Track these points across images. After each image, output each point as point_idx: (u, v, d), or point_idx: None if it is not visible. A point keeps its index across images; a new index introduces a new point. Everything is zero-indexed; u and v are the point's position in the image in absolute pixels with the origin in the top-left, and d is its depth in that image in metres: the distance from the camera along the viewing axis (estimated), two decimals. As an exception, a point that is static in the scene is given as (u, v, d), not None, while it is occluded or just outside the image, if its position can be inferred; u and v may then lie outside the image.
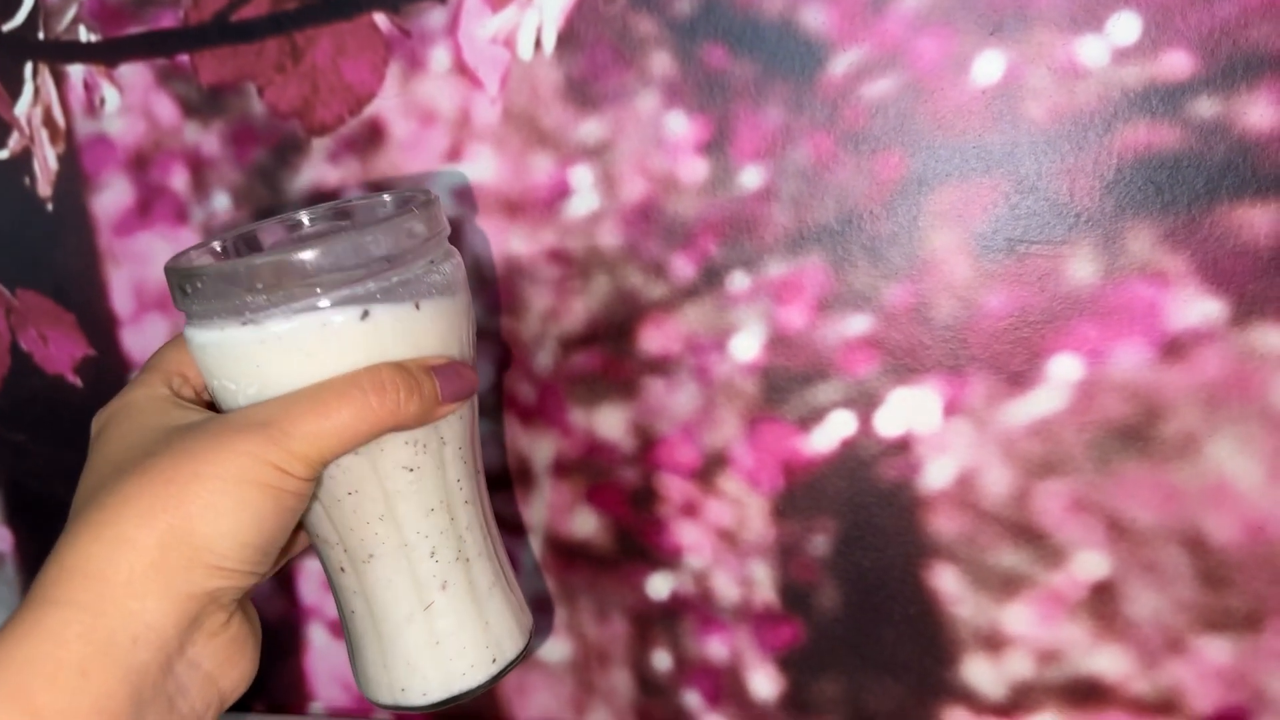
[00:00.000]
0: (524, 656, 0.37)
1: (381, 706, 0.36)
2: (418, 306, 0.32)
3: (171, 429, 0.31)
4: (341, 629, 0.37)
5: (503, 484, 0.46)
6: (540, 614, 0.47)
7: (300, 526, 0.36)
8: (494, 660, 0.35)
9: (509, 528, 0.47)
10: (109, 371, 0.52)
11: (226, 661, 0.31)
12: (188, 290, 0.31)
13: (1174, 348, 0.37)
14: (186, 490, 0.29)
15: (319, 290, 0.30)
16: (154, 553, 0.28)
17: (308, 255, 0.30)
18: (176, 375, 0.35)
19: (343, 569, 0.35)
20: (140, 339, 0.51)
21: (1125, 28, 0.35)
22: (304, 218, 0.38)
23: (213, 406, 0.34)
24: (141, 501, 0.29)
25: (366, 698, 0.36)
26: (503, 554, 0.38)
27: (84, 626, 0.28)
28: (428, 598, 0.34)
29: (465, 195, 0.44)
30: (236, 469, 0.29)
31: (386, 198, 0.37)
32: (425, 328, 0.32)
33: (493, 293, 0.44)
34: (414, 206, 0.33)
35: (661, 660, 0.45)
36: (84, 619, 0.28)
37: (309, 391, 0.30)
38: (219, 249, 0.36)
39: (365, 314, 0.31)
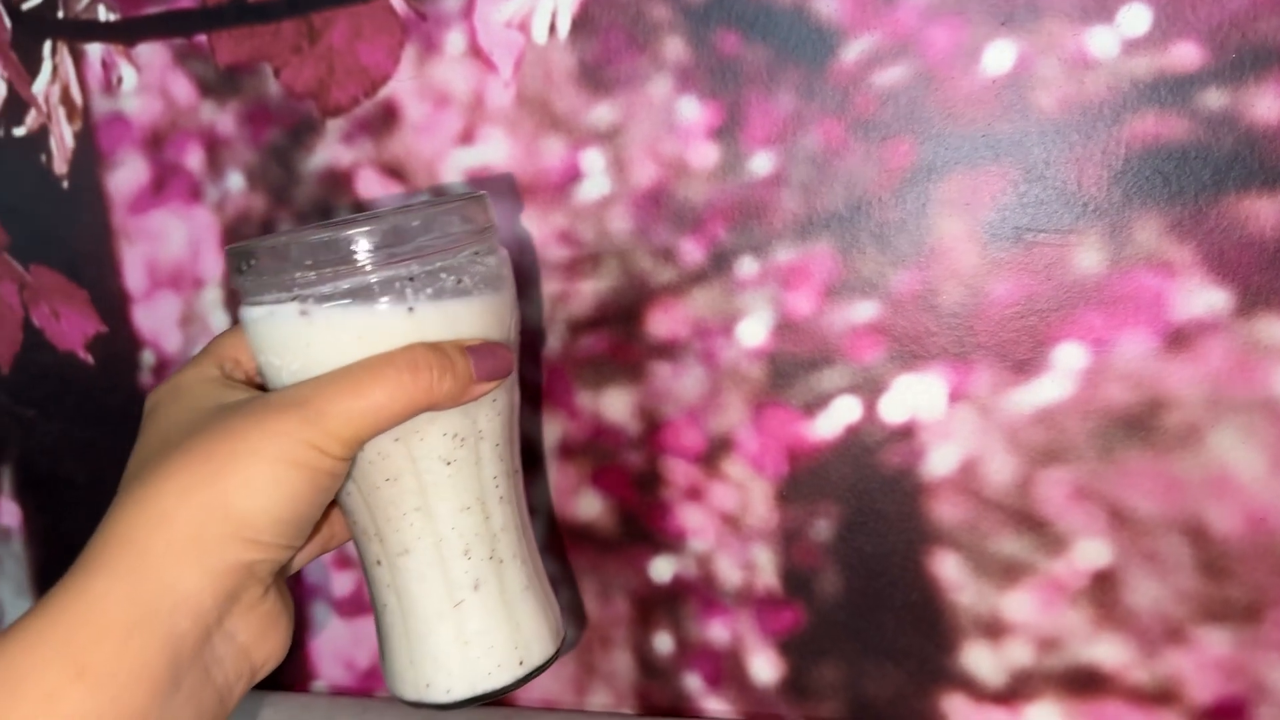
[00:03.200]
0: (552, 662, 0.37)
1: (406, 702, 0.36)
2: (461, 294, 0.33)
3: (216, 408, 0.32)
4: (374, 624, 0.37)
5: (509, 466, 0.47)
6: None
7: (341, 514, 0.37)
8: (521, 663, 0.36)
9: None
10: (120, 348, 0.53)
11: (261, 635, 0.32)
12: (243, 268, 0.33)
13: (1179, 338, 0.37)
14: (224, 467, 0.30)
15: (366, 269, 0.31)
16: (192, 526, 0.29)
17: (355, 233, 0.31)
18: (229, 359, 0.36)
19: (379, 562, 0.35)
20: (151, 316, 0.52)
21: (1135, 19, 0.36)
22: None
23: (262, 388, 0.35)
24: (182, 477, 0.30)
25: (393, 693, 0.37)
26: (537, 559, 0.38)
27: (126, 593, 0.29)
28: (459, 596, 0.35)
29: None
30: (273, 447, 0.30)
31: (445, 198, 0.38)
32: (467, 315, 0.33)
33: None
34: (461, 199, 0.34)
35: (663, 643, 0.46)
36: (126, 586, 0.29)
37: (345, 371, 0.31)
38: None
39: (410, 298, 0.32)
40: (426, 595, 0.35)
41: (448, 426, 0.33)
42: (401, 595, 0.35)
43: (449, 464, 0.34)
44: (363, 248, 0.31)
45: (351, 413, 0.31)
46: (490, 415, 0.35)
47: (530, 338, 0.45)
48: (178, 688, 0.29)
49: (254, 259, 0.32)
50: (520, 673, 0.36)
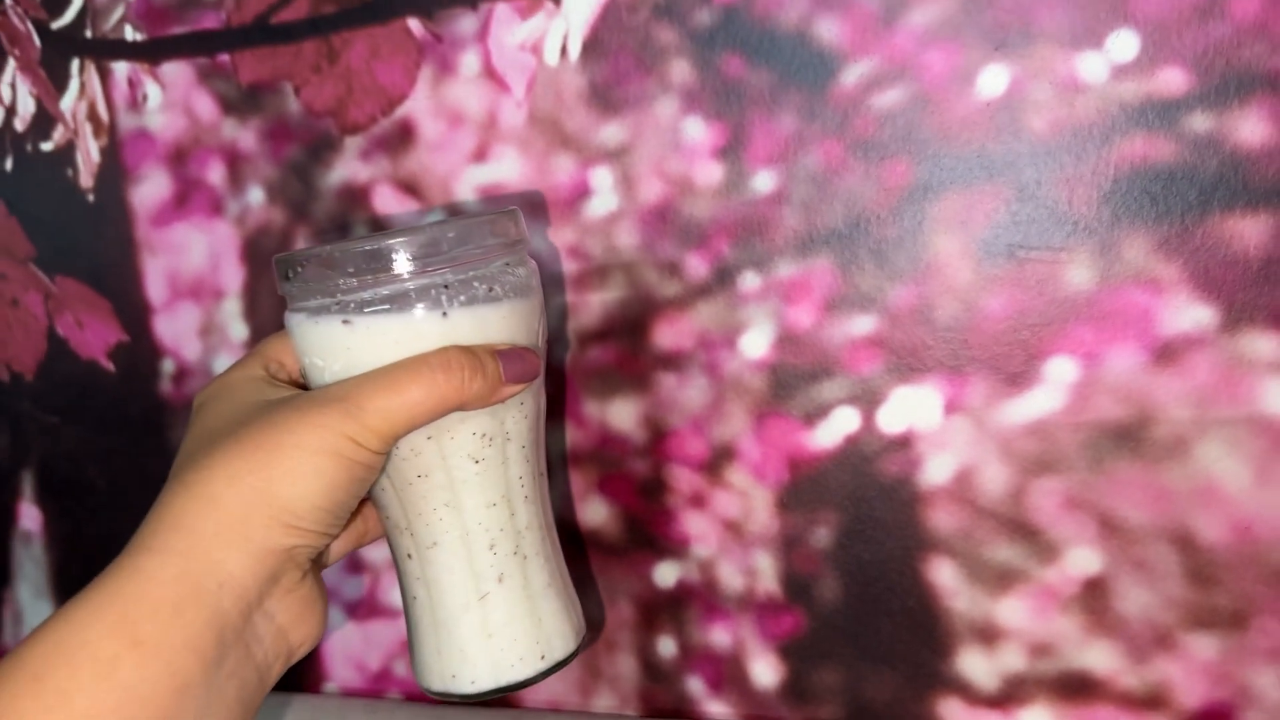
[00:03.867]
0: (573, 657, 0.38)
1: (433, 694, 0.38)
2: (492, 301, 0.35)
3: (262, 403, 0.34)
4: (405, 620, 0.39)
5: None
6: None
7: (375, 510, 0.38)
8: (543, 657, 0.37)
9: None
10: (141, 357, 0.54)
11: (298, 618, 0.34)
12: (290, 275, 0.35)
13: (1166, 352, 0.38)
14: (271, 456, 0.32)
15: (404, 277, 0.34)
16: (239, 510, 0.31)
17: (394, 244, 0.33)
18: (274, 361, 0.38)
19: (409, 555, 0.37)
20: (172, 326, 0.53)
21: (1124, 45, 0.37)
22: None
23: (304, 387, 0.37)
24: (231, 464, 0.32)
25: (421, 686, 0.38)
26: (561, 560, 0.40)
27: (177, 570, 0.31)
28: (484, 588, 0.36)
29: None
30: (316, 440, 0.32)
31: (480, 212, 0.40)
32: (498, 321, 0.35)
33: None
34: (495, 214, 0.36)
35: (666, 647, 0.47)
36: (177, 564, 0.31)
37: (383, 371, 0.33)
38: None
39: (444, 305, 0.34)
40: (453, 587, 0.36)
41: (477, 427, 0.35)
42: (431, 587, 0.37)
43: (477, 462, 0.36)
44: (401, 257, 0.33)
45: (389, 409, 0.32)
46: (518, 418, 0.36)
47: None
48: (223, 661, 0.31)
49: (300, 267, 0.34)
50: (542, 666, 0.37)
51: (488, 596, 0.36)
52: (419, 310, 0.34)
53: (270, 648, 0.33)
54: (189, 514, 0.31)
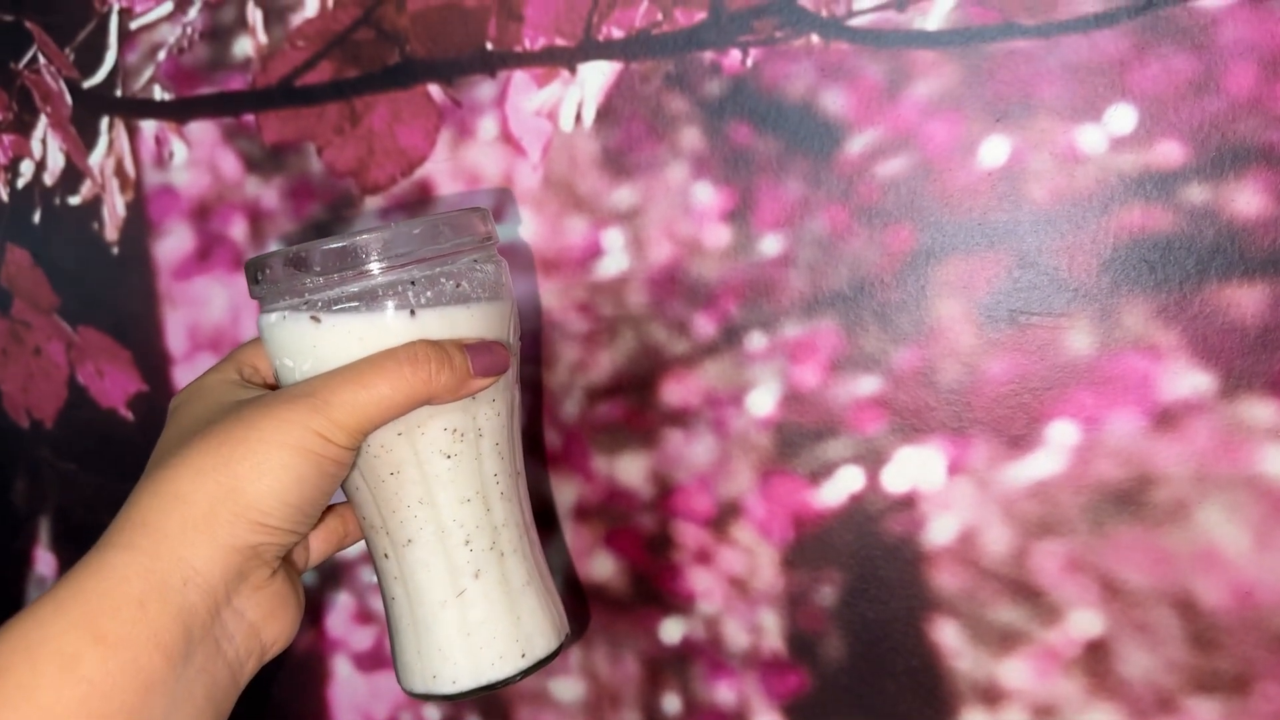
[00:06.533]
0: (554, 657, 0.39)
1: (415, 696, 0.38)
2: (460, 299, 0.35)
3: (233, 403, 0.35)
4: (386, 623, 0.39)
5: (526, 526, 0.49)
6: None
7: (353, 513, 0.39)
8: (523, 655, 0.37)
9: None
10: (159, 406, 0.55)
11: (269, 615, 0.34)
12: (259, 277, 0.35)
13: (1166, 417, 0.39)
14: (235, 451, 0.32)
15: (372, 274, 0.34)
16: (204, 506, 0.32)
17: (360, 241, 0.34)
18: (248, 365, 0.38)
19: (386, 555, 0.37)
20: (191, 377, 0.54)
21: (1122, 118, 0.38)
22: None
23: (276, 388, 0.37)
24: (197, 461, 0.32)
25: (403, 689, 0.38)
26: (540, 559, 0.40)
27: (142, 568, 0.31)
28: (461, 584, 0.37)
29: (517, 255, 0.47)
30: (283, 435, 0.32)
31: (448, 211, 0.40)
32: (467, 319, 0.36)
33: (529, 343, 0.47)
34: (462, 211, 0.37)
35: (671, 703, 0.47)
36: (142, 561, 0.31)
37: (350, 367, 0.34)
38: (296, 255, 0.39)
39: (412, 302, 0.34)
40: (431, 584, 0.37)
41: (448, 422, 0.36)
42: (409, 584, 0.37)
43: (449, 458, 0.36)
44: (367, 255, 0.34)
45: (356, 403, 0.33)
46: (489, 414, 0.37)
47: (549, 402, 0.47)
48: (190, 657, 0.31)
49: (268, 268, 0.35)
50: (523, 665, 0.37)
51: (465, 593, 0.37)
52: (387, 307, 0.34)
53: (241, 645, 0.33)
54: (154, 511, 0.32)
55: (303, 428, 0.32)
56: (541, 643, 0.38)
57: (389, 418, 0.34)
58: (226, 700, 0.33)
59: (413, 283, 0.35)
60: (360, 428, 0.33)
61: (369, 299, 0.34)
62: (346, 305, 0.34)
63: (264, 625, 0.34)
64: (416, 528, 0.36)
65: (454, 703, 0.38)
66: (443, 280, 0.35)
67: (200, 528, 0.31)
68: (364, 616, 0.53)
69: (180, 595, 0.31)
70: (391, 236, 0.34)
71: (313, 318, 0.34)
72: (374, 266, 0.34)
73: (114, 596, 0.30)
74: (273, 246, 0.51)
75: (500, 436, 0.38)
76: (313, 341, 0.35)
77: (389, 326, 0.34)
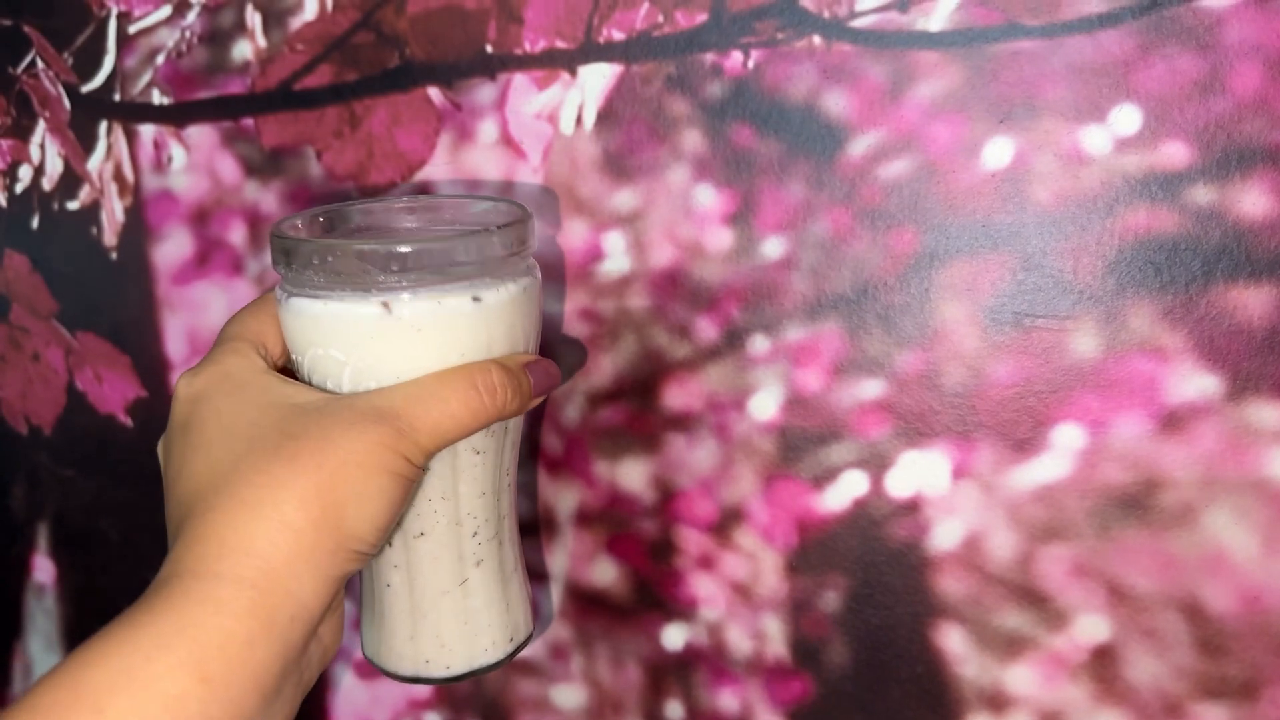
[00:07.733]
0: (529, 642, 0.40)
1: (399, 678, 0.38)
2: (521, 294, 0.36)
3: (294, 407, 0.33)
4: (361, 608, 0.39)
5: (529, 531, 0.48)
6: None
7: None
8: (511, 639, 0.39)
9: (535, 575, 0.48)
10: (158, 412, 0.55)
11: (334, 635, 0.34)
12: (316, 262, 0.34)
13: (1172, 420, 0.38)
14: (336, 477, 0.31)
15: (445, 271, 0.34)
16: (310, 535, 0.30)
17: (447, 247, 0.34)
18: (260, 345, 0.36)
19: (390, 543, 0.37)
20: (190, 382, 0.54)
21: (1127, 119, 0.38)
22: (399, 203, 0.41)
23: (290, 373, 0.37)
24: (297, 485, 0.31)
25: (383, 669, 0.38)
26: (520, 545, 0.41)
27: (251, 602, 0.29)
28: (464, 574, 0.37)
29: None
30: (375, 459, 0.31)
31: (483, 204, 0.40)
32: (521, 319, 0.37)
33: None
34: (513, 223, 0.36)
35: (674, 710, 0.47)
36: (252, 595, 0.29)
37: (429, 385, 0.33)
38: (320, 220, 0.39)
39: (475, 301, 0.35)
40: (436, 574, 0.37)
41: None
42: (412, 574, 0.37)
43: (479, 454, 0.37)
44: (449, 259, 0.34)
45: (439, 429, 0.33)
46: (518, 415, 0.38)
47: (551, 406, 0.47)
48: (281, 692, 0.30)
49: (332, 256, 0.34)
50: (509, 649, 0.39)
51: (467, 582, 0.37)
52: (450, 302, 0.34)
53: (315, 668, 0.33)
54: (260, 539, 0.30)
55: (393, 452, 0.32)
56: (524, 626, 0.40)
57: (462, 438, 0.34)
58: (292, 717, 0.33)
59: (477, 286, 0.35)
60: (436, 450, 0.33)
61: (437, 292, 0.34)
62: (413, 298, 0.34)
63: (330, 646, 0.34)
64: (433, 521, 0.37)
65: (440, 686, 0.39)
66: (503, 275, 0.36)
67: (306, 558, 0.30)
68: (364, 623, 0.52)
69: (287, 632, 0.30)
70: (466, 246, 0.34)
71: (382, 312, 0.33)
72: (450, 274, 0.34)
73: (222, 634, 0.29)
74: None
75: (520, 432, 0.39)
76: (374, 335, 0.34)
77: (454, 320, 0.34)
